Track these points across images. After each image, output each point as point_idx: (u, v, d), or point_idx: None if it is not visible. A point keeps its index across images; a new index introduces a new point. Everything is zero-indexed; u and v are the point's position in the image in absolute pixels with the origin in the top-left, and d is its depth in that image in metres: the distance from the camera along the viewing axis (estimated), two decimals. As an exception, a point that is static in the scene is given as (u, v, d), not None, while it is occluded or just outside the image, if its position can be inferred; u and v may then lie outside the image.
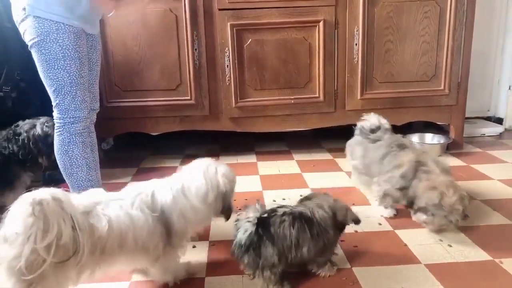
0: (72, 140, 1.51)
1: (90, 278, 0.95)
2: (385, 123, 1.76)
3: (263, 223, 1.08)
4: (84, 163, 1.54)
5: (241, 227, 1.09)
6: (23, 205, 0.82)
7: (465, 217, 1.36)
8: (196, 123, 2.28)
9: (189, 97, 2.23)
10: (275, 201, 1.75)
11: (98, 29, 1.66)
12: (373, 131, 1.74)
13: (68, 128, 1.50)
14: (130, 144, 2.65)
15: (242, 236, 1.08)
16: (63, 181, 1.93)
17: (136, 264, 1.11)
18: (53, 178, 1.96)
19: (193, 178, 1.12)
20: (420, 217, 1.39)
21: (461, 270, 1.21)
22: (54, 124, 1.56)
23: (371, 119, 1.79)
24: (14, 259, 0.81)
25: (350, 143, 1.88)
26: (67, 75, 1.45)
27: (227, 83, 2.21)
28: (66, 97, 1.47)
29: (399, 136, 1.72)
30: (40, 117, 1.80)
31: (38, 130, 1.75)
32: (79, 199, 0.94)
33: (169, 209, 1.05)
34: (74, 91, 1.48)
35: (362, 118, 1.83)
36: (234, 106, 2.24)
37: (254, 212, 1.09)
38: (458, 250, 1.31)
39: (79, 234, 0.85)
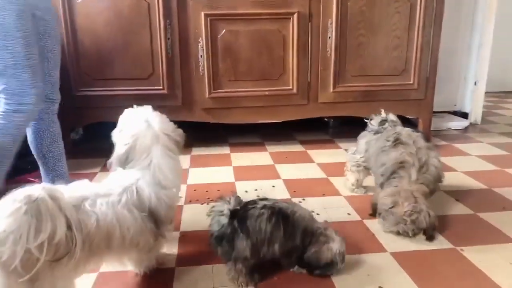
0: (8, 130, 1.41)
1: (80, 274, 0.94)
2: (391, 115, 1.72)
3: (240, 215, 1.08)
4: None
5: (215, 219, 1.09)
6: (16, 202, 0.77)
7: (427, 235, 1.33)
8: (168, 114, 2.17)
9: (161, 87, 2.20)
10: (247, 191, 1.76)
11: (52, 15, 1.58)
12: (381, 123, 1.68)
13: (10, 115, 1.41)
14: (100, 135, 2.59)
15: (215, 228, 1.08)
16: (27, 171, 1.88)
17: (124, 259, 1.09)
18: (18, 168, 1.90)
19: (160, 164, 1.09)
20: (377, 216, 1.41)
21: (424, 257, 1.26)
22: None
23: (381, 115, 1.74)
24: (9, 258, 0.77)
25: (358, 137, 1.81)
26: (10, 55, 1.37)
27: (201, 74, 2.19)
28: (11, 80, 1.39)
29: (404, 129, 1.61)
30: None
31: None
32: (68, 193, 0.91)
33: (156, 206, 1.04)
34: (20, 73, 1.39)
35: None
36: (207, 97, 2.22)
37: (227, 204, 1.09)
38: (422, 239, 1.35)
39: (74, 233, 0.83)
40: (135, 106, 1.16)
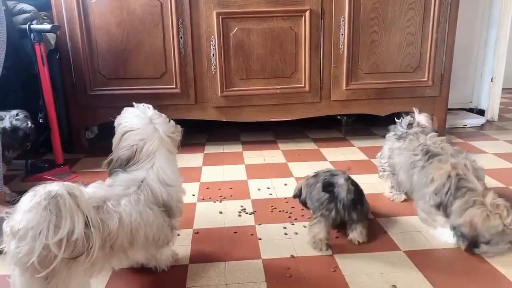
0: None
1: (99, 273, 0.94)
2: (422, 117, 1.61)
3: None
4: None
5: (341, 187, 1.28)
6: (36, 198, 0.78)
7: None
8: (181, 112, 2.27)
9: (174, 86, 2.21)
10: (259, 189, 1.76)
11: None
12: (408, 126, 1.55)
13: None
14: (115, 134, 2.62)
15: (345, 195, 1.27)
16: (45, 169, 1.92)
17: (145, 256, 1.11)
18: (36, 167, 1.94)
19: (163, 167, 1.10)
20: (483, 249, 1.22)
21: (439, 256, 1.25)
22: (25, 117, 1.48)
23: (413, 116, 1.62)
24: (26, 255, 0.79)
25: (385, 138, 1.72)
26: None
27: (213, 72, 2.20)
28: None
29: (428, 136, 1.47)
30: (13, 110, 1.76)
31: (6, 123, 1.71)
32: (90, 193, 0.93)
33: (167, 199, 1.07)
34: None
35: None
36: (220, 95, 2.23)
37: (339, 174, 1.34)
38: (433, 236, 1.34)
39: (92, 231, 0.84)
40: (135, 104, 1.15)
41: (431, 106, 2.40)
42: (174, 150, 1.16)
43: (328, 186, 1.33)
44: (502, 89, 2.90)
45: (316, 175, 1.46)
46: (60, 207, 0.79)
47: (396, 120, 1.65)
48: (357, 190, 1.34)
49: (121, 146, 1.09)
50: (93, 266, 0.90)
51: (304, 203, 1.51)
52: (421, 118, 1.61)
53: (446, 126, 2.49)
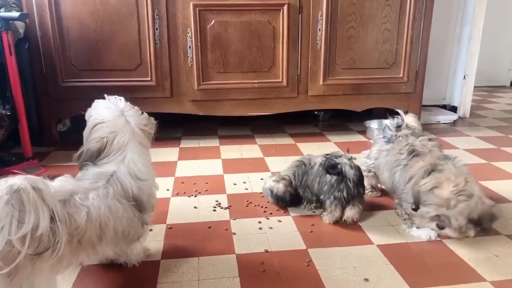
0: None
1: (66, 269, 0.91)
2: (410, 119, 1.55)
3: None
4: None
5: (348, 166, 1.38)
6: None
7: (481, 226, 1.11)
8: (157, 105, 2.22)
9: (149, 78, 2.17)
10: (235, 184, 1.75)
11: None
12: (397, 129, 1.52)
13: None
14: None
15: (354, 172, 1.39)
16: (12, 163, 1.85)
17: (114, 252, 1.08)
18: (3, 160, 1.87)
19: (134, 160, 1.07)
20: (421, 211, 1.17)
21: (410, 250, 1.26)
22: None
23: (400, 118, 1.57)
24: None
25: (373, 141, 1.71)
26: None
27: (189, 65, 2.16)
28: None
29: (418, 138, 1.44)
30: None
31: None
32: (56, 187, 0.89)
33: (138, 194, 1.04)
34: None
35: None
36: (196, 89, 2.20)
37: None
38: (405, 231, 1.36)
39: (58, 226, 0.80)
40: (106, 96, 1.12)
41: (406, 102, 2.43)
42: (147, 143, 1.13)
43: (332, 168, 1.39)
44: (474, 86, 2.98)
45: (300, 165, 1.52)
46: (24, 201, 0.76)
47: (385, 123, 1.62)
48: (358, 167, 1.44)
49: (91, 139, 1.05)
50: (60, 262, 0.87)
51: (292, 197, 1.51)
52: (410, 119, 1.57)
53: (421, 122, 2.53)
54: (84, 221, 0.88)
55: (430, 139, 1.45)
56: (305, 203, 1.52)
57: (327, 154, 1.49)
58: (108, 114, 1.07)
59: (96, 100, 1.12)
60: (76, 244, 0.88)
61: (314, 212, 1.50)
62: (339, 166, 1.40)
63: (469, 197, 1.04)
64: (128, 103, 1.13)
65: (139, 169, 1.06)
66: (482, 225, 1.09)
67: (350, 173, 1.38)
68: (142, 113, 1.14)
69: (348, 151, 1.47)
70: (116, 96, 1.13)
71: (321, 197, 1.43)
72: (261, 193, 1.66)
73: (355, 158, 1.45)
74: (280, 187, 1.50)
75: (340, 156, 1.43)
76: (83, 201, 0.91)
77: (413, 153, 1.36)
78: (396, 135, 1.50)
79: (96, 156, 1.05)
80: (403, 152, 1.40)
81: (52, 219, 0.80)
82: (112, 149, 1.05)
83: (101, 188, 0.97)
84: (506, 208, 1.56)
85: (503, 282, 1.10)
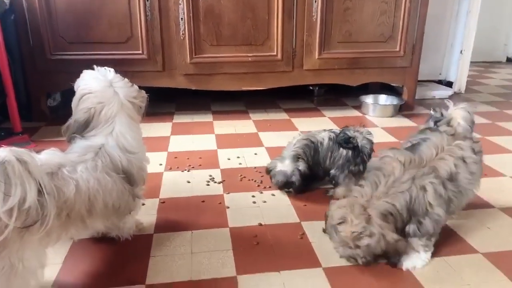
0: None
1: (56, 243, 0.89)
2: (458, 117, 1.18)
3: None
4: None
5: (363, 140, 1.39)
6: None
7: (388, 261, 1.05)
8: (148, 79, 2.17)
9: (140, 51, 2.11)
10: (229, 159, 1.73)
11: None
12: (436, 123, 1.22)
13: None
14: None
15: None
16: (1, 138, 1.81)
17: (105, 225, 1.06)
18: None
19: (123, 133, 1.04)
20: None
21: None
22: None
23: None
24: None
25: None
26: None
27: (182, 38, 2.11)
28: None
29: (457, 142, 1.13)
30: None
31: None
32: (43, 160, 0.87)
33: (127, 166, 1.02)
34: None
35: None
36: (189, 62, 2.15)
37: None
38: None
39: (46, 199, 0.78)
40: (95, 68, 1.08)
41: (402, 77, 2.40)
42: (136, 116, 1.10)
43: (347, 142, 1.38)
44: (470, 62, 2.94)
45: (308, 143, 1.43)
46: (9, 173, 0.74)
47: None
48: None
49: (78, 109, 1.02)
50: (49, 235, 0.85)
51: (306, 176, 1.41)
52: (458, 114, 1.18)
53: (416, 97, 2.51)
54: (73, 194, 0.86)
55: (473, 149, 1.12)
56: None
57: (331, 129, 1.47)
58: (96, 85, 1.03)
59: (84, 71, 1.09)
60: (65, 218, 0.86)
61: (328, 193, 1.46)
62: (354, 140, 1.37)
63: (370, 236, 0.97)
64: (118, 74, 1.10)
65: (128, 142, 1.04)
66: (389, 259, 1.04)
67: (366, 146, 1.37)
68: (132, 85, 1.11)
69: (363, 125, 1.47)
70: (106, 67, 1.09)
71: (333, 171, 1.41)
72: (255, 167, 1.65)
73: (369, 133, 1.43)
74: (302, 167, 1.39)
75: (355, 130, 1.41)
76: (71, 174, 0.88)
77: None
78: (432, 128, 1.20)
79: (84, 128, 1.02)
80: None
81: (40, 192, 0.78)
82: (99, 120, 1.02)
83: (90, 161, 0.94)
84: (499, 181, 1.56)
85: (495, 254, 1.11)
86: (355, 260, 1.03)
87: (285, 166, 1.41)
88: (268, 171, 1.46)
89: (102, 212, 0.95)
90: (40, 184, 0.78)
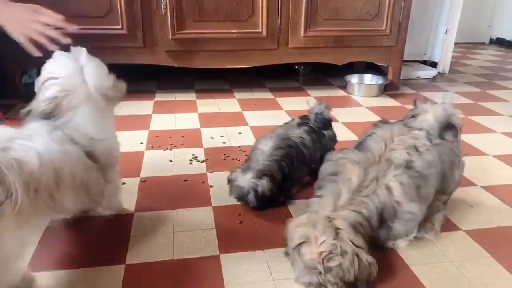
0: None
1: (31, 224, 0.83)
2: (430, 118, 1.04)
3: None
4: None
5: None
6: None
7: None
8: (129, 56, 2.10)
9: (120, 26, 2.02)
10: (212, 138, 1.70)
11: None
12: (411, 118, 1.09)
13: None
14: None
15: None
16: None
17: (79, 206, 0.99)
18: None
19: (85, 125, 0.94)
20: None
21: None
22: None
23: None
24: None
25: None
26: None
27: (163, 12, 2.02)
28: None
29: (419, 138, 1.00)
30: None
31: None
32: None
33: (90, 147, 0.93)
34: None
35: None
36: (170, 38, 2.07)
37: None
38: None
39: (6, 174, 0.71)
40: (72, 49, 0.97)
41: (388, 56, 2.38)
42: (107, 109, 0.99)
43: (329, 124, 1.35)
44: (454, 43, 2.94)
45: (287, 153, 1.21)
46: None
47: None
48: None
49: (40, 99, 0.91)
50: (21, 215, 0.80)
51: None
52: (431, 109, 1.06)
53: (401, 77, 2.50)
54: (38, 165, 0.78)
55: (429, 139, 0.99)
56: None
57: (293, 120, 1.34)
58: (62, 70, 0.92)
59: (57, 51, 0.97)
60: (33, 194, 0.79)
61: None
62: (326, 116, 1.31)
63: (342, 255, 0.80)
64: (96, 59, 0.97)
65: (90, 130, 0.94)
66: (357, 287, 0.84)
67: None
68: (110, 74, 1.00)
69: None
70: (83, 47, 0.97)
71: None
72: (239, 146, 1.62)
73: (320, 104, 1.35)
74: (263, 187, 1.14)
75: (317, 108, 1.32)
76: (29, 144, 0.80)
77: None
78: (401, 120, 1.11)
79: (46, 118, 0.91)
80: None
81: None
82: (61, 110, 0.91)
83: (47, 134, 0.86)
84: (481, 160, 1.57)
85: (478, 231, 1.12)
86: None
87: (244, 180, 1.16)
88: (228, 180, 1.22)
89: (72, 185, 0.88)
90: None
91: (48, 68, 0.93)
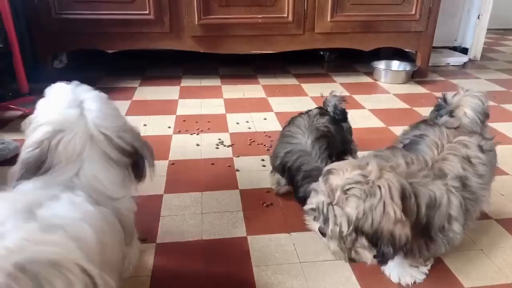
0: None
1: None
2: (468, 108, 0.94)
3: None
4: None
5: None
6: None
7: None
8: (155, 41, 2.12)
9: (147, 12, 2.04)
10: (238, 123, 1.71)
11: None
12: (437, 114, 0.99)
13: None
14: (86, 63, 2.47)
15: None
16: (8, 98, 1.80)
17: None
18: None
19: (92, 173, 0.68)
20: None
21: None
22: None
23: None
24: None
25: None
26: None
27: (190, -3, 2.03)
28: None
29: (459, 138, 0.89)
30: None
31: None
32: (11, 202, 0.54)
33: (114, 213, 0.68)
34: None
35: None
36: (197, 23, 2.08)
37: None
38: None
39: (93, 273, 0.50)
40: (68, 83, 0.74)
41: (416, 42, 2.33)
42: (118, 157, 0.71)
43: (346, 115, 1.27)
44: (487, 29, 2.84)
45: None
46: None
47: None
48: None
49: (27, 144, 0.68)
50: None
51: None
52: (465, 102, 0.94)
53: (430, 64, 2.44)
54: (95, 241, 0.55)
55: (481, 147, 0.87)
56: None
57: (320, 108, 1.26)
58: (54, 104, 0.69)
59: (55, 84, 0.74)
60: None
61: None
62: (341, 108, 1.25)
63: (368, 196, 0.67)
64: (103, 94, 0.75)
65: (106, 187, 0.68)
66: (379, 248, 0.69)
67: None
68: (119, 113, 0.76)
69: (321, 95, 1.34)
70: (82, 83, 0.75)
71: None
72: (264, 132, 1.63)
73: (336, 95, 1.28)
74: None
75: (332, 100, 1.25)
76: (62, 214, 0.56)
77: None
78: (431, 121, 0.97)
79: (35, 172, 0.66)
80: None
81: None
82: (58, 158, 0.66)
83: (65, 193, 0.60)
84: (514, 149, 1.53)
85: (508, 220, 1.10)
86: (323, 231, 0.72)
87: None
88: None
89: (116, 262, 0.64)
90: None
91: (39, 106, 0.71)
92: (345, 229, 0.68)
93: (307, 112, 1.25)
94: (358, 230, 0.69)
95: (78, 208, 0.59)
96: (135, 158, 0.75)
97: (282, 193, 1.18)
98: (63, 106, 0.68)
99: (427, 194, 0.75)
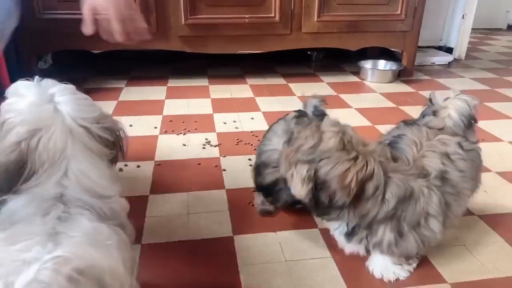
0: None
1: None
2: (452, 111, 0.93)
3: None
4: None
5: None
6: None
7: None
8: (142, 41, 2.10)
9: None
10: (225, 123, 1.71)
11: None
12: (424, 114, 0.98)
13: None
14: (70, 64, 2.45)
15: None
16: None
17: None
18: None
19: (80, 169, 0.63)
20: None
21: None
22: None
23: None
24: None
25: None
26: None
27: (176, -3, 2.02)
28: None
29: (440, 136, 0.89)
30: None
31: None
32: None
33: (115, 216, 0.64)
34: None
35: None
36: (183, 23, 2.07)
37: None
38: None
39: None
40: (35, 79, 0.69)
41: (402, 42, 2.35)
42: (99, 149, 0.68)
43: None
44: (471, 28, 2.88)
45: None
46: None
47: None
48: None
49: (1, 148, 0.62)
50: None
51: None
52: (452, 104, 0.94)
53: (415, 63, 2.47)
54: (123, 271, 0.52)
55: (461, 146, 0.86)
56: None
57: (298, 112, 1.16)
58: (24, 101, 0.64)
59: (17, 82, 0.69)
60: None
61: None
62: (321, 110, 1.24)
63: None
64: (70, 86, 0.70)
65: (97, 183, 0.63)
66: (317, 191, 0.73)
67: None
68: (93, 103, 0.72)
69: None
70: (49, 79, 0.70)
71: None
72: (251, 132, 1.63)
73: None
74: None
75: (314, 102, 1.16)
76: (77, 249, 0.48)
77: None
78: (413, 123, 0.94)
79: (17, 179, 0.61)
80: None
81: None
82: (40, 160, 0.61)
83: (73, 214, 0.54)
84: (497, 146, 1.56)
85: (491, 216, 1.12)
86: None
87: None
88: None
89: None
90: None
91: (8, 105, 0.65)
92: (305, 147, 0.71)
93: (284, 117, 1.23)
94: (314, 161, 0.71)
95: (84, 235, 0.51)
96: (117, 148, 0.72)
97: (266, 211, 1.10)
98: (35, 104, 0.64)
99: (403, 188, 0.75)
